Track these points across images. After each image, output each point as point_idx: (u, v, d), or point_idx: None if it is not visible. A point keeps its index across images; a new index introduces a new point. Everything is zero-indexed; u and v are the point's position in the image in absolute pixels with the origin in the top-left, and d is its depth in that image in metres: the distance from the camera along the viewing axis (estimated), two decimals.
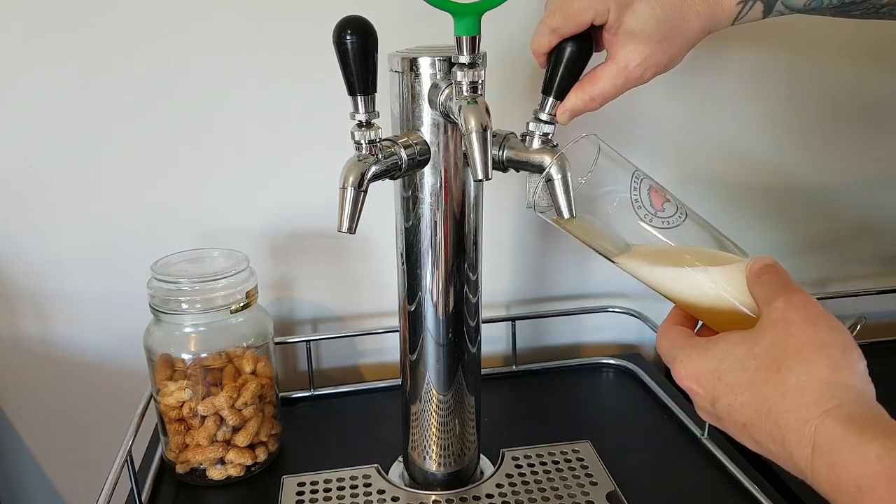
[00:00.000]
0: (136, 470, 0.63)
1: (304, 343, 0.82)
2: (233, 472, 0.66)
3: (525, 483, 0.65)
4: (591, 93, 0.48)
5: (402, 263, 0.58)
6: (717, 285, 0.44)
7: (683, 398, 0.72)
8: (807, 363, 0.34)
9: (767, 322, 0.38)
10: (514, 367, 0.86)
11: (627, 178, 0.46)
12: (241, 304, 0.65)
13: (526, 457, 0.69)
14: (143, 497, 0.65)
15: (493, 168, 0.51)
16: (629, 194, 0.45)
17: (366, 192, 0.48)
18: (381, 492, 0.65)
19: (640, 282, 0.47)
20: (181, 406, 0.65)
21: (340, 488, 0.65)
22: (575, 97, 0.48)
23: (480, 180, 0.45)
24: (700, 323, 0.46)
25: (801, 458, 0.33)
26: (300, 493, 0.65)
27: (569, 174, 0.47)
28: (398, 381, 0.64)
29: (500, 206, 0.84)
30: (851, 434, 0.31)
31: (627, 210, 0.45)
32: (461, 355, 0.60)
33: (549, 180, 0.47)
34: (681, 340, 0.42)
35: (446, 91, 0.50)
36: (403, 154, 0.51)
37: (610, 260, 0.48)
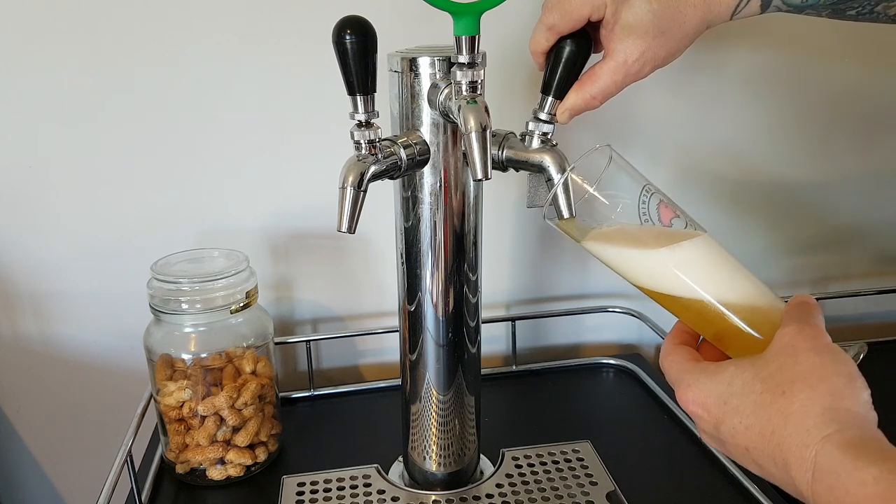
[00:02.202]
0: (136, 470, 0.63)
1: (304, 343, 0.82)
2: (233, 472, 0.66)
3: (525, 483, 0.65)
4: (591, 91, 0.48)
5: (402, 263, 0.58)
6: (676, 266, 0.44)
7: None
8: (811, 389, 0.35)
9: (777, 347, 0.38)
10: (514, 367, 0.86)
11: (637, 190, 0.46)
12: (241, 304, 0.65)
13: (526, 457, 0.69)
14: (143, 497, 0.65)
15: (493, 168, 0.51)
16: (637, 207, 0.45)
17: (365, 191, 0.48)
18: (381, 492, 0.65)
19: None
20: (181, 406, 0.65)
21: (340, 488, 0.65)
22: (575, 96, 0.48)
23: (480, 180, 0.45)
24: (701, 338, 0.46)
25: (802, 482, 0.34)
26: (300, 493, 0.65)
27: (569, 174, 0.47)
28: (398, 381, 0.64)
29: (500, 206, 0.84)
30: (850, 458, 0.32)
31: (634, 222, 0.45)
32: (461, 355, 0.60)
33: (549, 180, 0.47)
34: (688, 364, 0.42)
35: (446, 91, 0.50)
36: (403, 154, 0.51)
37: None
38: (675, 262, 0.44)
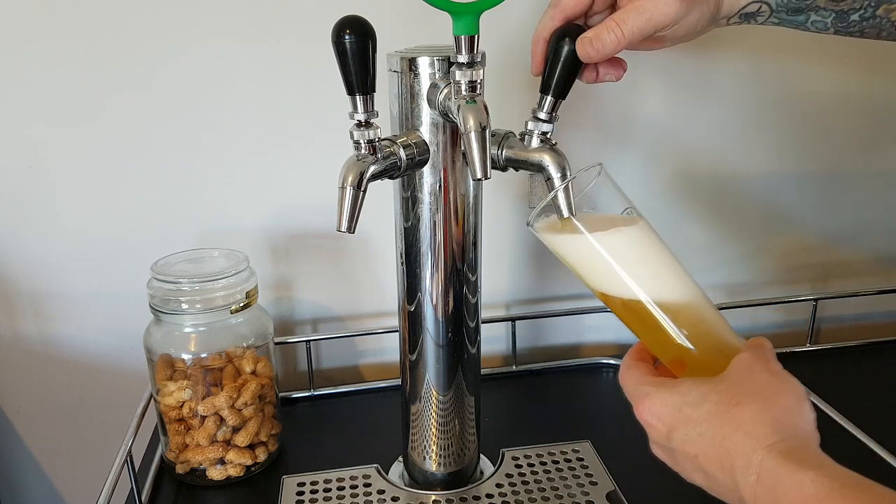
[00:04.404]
0: (136, 470, 0.63)
1: (304, 343, 0.82)
2: (233, 472, 0.66)
3: (525, 483, 0.65)
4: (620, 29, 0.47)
5: (402, 264, 0.58)
6: (608, 252, 0.44)
7: None
8: (763, 402, 0.38)
9: (734, 367, 0.41)
10: (514, 367, 0.86)
11: (619, 209, 0.46)
12: (241, 304, 0.65)
13: (526, 457, 0.69)
14: (143, 497, 0.65)
15: (493, 167, 0.51)
16: None
17: (365, 191, 0.48)
18: (381, 492, 0.65)
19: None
20: (181, 406, 0.65)
21: (340, 488, 0.65)
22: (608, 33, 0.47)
23: (479, 180, 0.45)
24: (657, 361, 0.47)
25: (745, 486, 0.36)
26: (300, 493, 0.65)
27: (568, 173, 0.47)
28: (398, 381, 0.64)
29: (500, 206, 0.84)
30: (792, 464, 0.34)
31: None
32: (461, 355, 0.60)
33: (549, 179, 0.47)
34: (647, 377, 0.44)
35: (445, 91, 0.50)
36: (402, 154, 0.51)
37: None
38: (606, 248, 0.44)
